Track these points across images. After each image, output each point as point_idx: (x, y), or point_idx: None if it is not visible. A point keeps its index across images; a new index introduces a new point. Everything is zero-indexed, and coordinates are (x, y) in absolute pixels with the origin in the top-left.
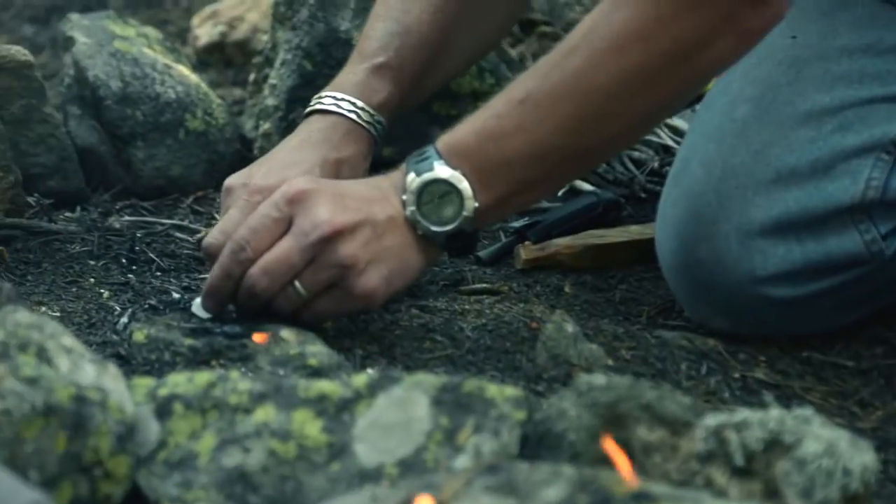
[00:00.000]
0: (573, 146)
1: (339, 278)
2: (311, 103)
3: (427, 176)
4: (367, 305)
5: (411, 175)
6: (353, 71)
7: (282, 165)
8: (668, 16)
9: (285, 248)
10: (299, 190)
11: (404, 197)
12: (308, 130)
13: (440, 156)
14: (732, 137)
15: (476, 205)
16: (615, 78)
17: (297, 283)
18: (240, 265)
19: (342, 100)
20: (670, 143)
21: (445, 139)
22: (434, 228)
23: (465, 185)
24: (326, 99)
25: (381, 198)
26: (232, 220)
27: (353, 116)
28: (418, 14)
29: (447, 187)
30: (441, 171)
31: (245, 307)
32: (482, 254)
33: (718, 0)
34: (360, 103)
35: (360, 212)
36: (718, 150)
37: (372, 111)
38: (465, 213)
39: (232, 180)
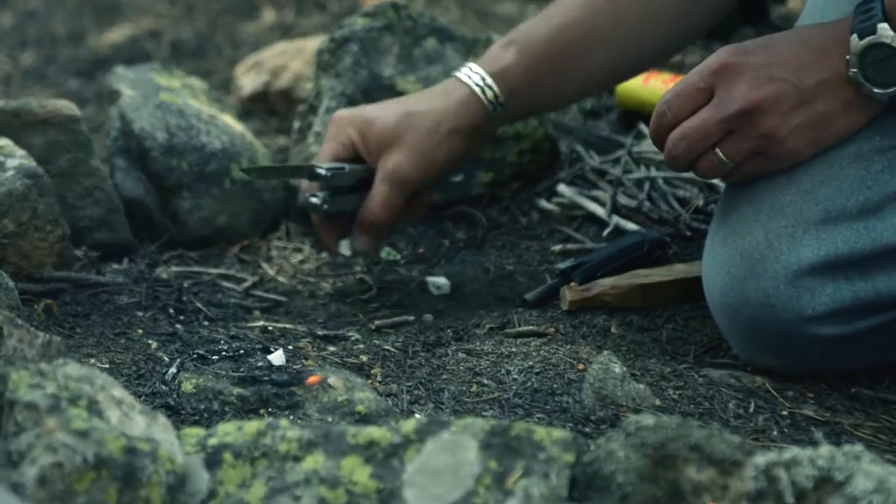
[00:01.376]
0: None
1: (763, 148)
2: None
3: (871, 39)
4: (797, 162)
5: (854, 36)
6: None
7: (374, 110)
8: None
9: (702, 118)
10: (723, 63)
11: (848, 57)
12: (432, 88)
13: (885, 16)
14: (781, 176)
15: None
16: None
17: (718, 151)
18: (663, 128)
19: (466, 66)
20: (714, 180)
21: None
22: (877, 91)
23: None
24: (463, 66)
25: (818, 58)
26: None
27: (465, 78)
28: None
29: (890, 51)
30: (885, 33)
31: (671, 166)
32: (528, 296)
33: None
34: (476, 68)
35: (785, 82)
36: (768, 187)
37: (484, 75)
38: None
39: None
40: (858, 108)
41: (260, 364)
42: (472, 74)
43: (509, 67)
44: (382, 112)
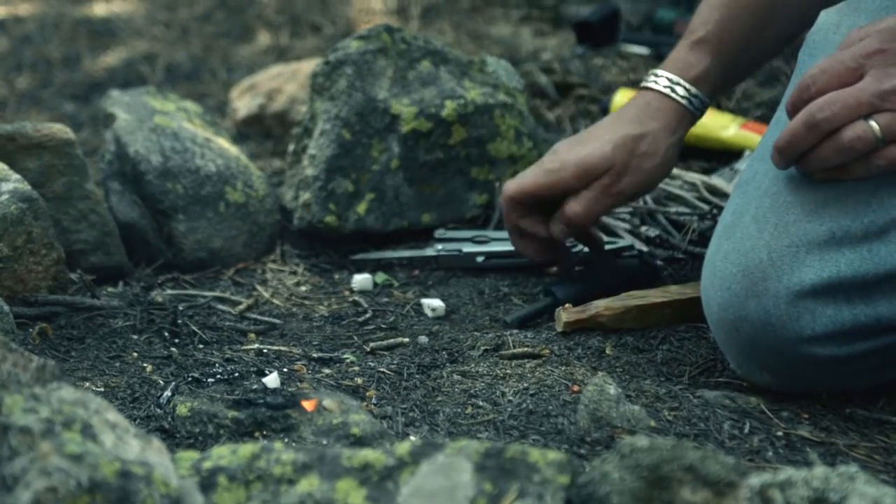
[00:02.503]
0: None
1: None
2: (645, 78)
3: None
4: None
5: None
6: (677, 48)
7: (581, 141)
8: None
9: (858, 87)
10: (878, 48)
11: None
12: (628, 106)
13: None
14: (788, 194)
15: None
16: None
17: (872, 122)
18: (803, 101)
19: (661, 76)
20: (706, 207)
21: None
22: None
23: None
24: (651, 75)
25: None
26: None
27: (668, 91)
28: None
29: None
30: None
31: (798, 135)
32: (507, 318)
33: None
34: (675, 78)
35: None
36: (773, 205)
37: (688, 85)
38: None
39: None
40: None
41: (255, 387)
42: (675, 87)
43: (707, 70)
44: (595, 150)
